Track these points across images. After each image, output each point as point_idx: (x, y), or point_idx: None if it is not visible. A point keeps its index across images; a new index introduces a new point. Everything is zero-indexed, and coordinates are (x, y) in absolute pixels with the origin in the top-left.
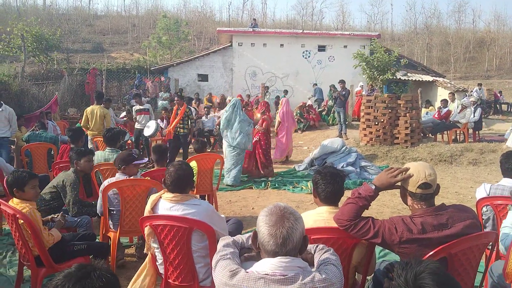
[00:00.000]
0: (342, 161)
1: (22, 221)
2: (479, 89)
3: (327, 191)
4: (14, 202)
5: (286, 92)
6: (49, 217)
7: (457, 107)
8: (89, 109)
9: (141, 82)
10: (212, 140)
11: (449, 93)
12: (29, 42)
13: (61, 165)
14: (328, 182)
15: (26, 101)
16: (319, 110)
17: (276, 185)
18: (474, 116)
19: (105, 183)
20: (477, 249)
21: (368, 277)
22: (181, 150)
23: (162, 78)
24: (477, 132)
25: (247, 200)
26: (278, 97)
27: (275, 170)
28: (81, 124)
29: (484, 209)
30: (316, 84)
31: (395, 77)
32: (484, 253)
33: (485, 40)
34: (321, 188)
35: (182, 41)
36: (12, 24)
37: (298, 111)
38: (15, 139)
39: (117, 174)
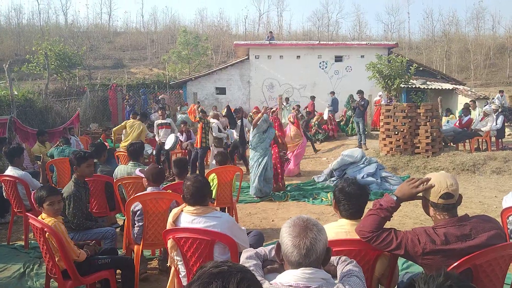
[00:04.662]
0: (362, 171)
1: (48, 234)
2: (501, 96)
3: (350, 212)
4: (42, 217)
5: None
6: (79, 242)
7: (479, 115)
8: (130, 121)
9: (146, 99)
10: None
11: (470, 101)
12: (52, 60)
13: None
14: (353, 204)
15: (50, 117)
16: (337, 120)
17: (296, 196)
18: (496, 124)
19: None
20: (503, 260)
21: None
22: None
23: (181, 92)
24: (500, 140)
25: (267, 212)
26: (298, 106)
27: (294, 182)
28: (114, 129)
29: (510, 218)
30: (333, 93)
31: (410, 85)
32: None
33: (505, 46)
34: (343, 207)
35: (201, 55)
36: (37, 43)
37: (316, 122)
38: (41, 154)
39: (149, 188)
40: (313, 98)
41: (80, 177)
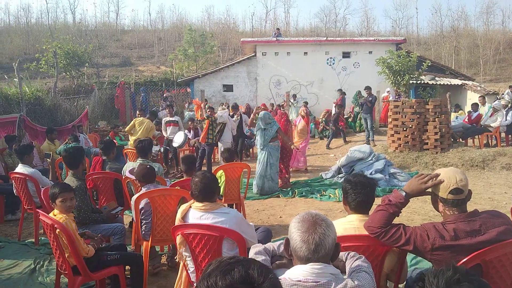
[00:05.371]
0: (370, 168)
1: (58, 230)
2: (511, 92)
3: (357, 201)
4: (54, 213)
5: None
6: (85, 231)
7: (488, 110)
8: (139, 119)
9: (146, 97)
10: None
11: (479, 97)
12: (61, 58)
13: (94, 176)
14: (359, 192)
15: (59, 115)
16: (345, 117)
17: (304, 193)
18: (506, 120)
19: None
20: None
21: (400, 285)
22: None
23: (188, 90)
24: (510, 135)
25: (275, 208)
26: (306, 103)
27: (301, 178)
28: (126, 129)
29: None
30: (341, 91)
31: (419, 81)
32: None
33: None
34: (351, 197)
35: (208, 53)
36: (47, 41)
37: (324, 119)
38: (50, 152)
39: (143, 188)
40: (343, 93)
41: (78, 171)
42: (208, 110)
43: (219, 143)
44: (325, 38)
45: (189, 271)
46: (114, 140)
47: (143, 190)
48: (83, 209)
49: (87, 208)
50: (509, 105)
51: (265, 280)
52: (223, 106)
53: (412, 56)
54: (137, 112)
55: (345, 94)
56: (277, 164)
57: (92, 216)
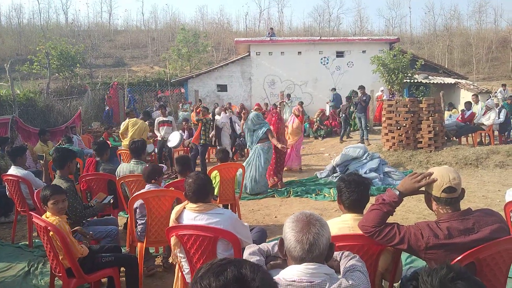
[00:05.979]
0: (364, 167)
1: (52, 233)
2: (504, 90)
3: (351, 199)
4: (47, 215)
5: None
6: (77, 228)
7: (481, 109)
8: (132, 120)
9: (133, 99)
10: (233, 149)
11: (473, 95)
12: (54, 59)
13: (87, 177)
14: (352, 190)
15: (52, 116)
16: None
17: (299, 193)
18: (499, 118)
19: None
20: (507, 253)
21: (395, 284)
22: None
23: (182, 90)
24: (504, 134)
25: (270, 208)
26: (302, 103)
27: (295, 178)
28: (120, 132)
29: None
30: (335, 89)
31: (413, 80)
32: None
33: (508, 40)
34: (345, 196)
35: (201, 52)
36: (41, 41)
37: (318, 118)
38: (43, 153)
39: (147, 185)
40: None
41: (65, 173)
42: (202, 110)
43: (218, 147)
44: (318, 38)
45: (184, 272)
46: (108, 141)
47: (147, 187)
48: (78, 209)
49: (81, 207)
50: (501, 104)
51: (258, 278)
52: (223, 108)
53: (408, 54)
54: (128, 113)
55: (351, 98)
56: (265, 167)
57: (86, 212)
